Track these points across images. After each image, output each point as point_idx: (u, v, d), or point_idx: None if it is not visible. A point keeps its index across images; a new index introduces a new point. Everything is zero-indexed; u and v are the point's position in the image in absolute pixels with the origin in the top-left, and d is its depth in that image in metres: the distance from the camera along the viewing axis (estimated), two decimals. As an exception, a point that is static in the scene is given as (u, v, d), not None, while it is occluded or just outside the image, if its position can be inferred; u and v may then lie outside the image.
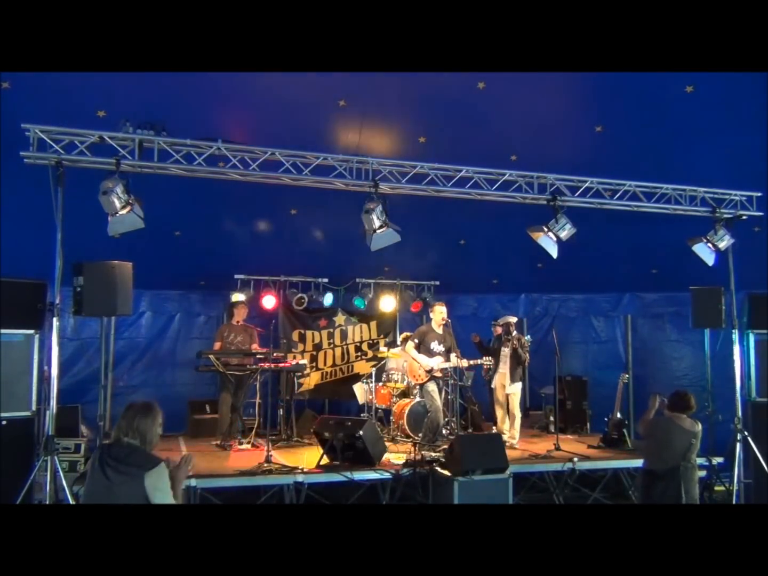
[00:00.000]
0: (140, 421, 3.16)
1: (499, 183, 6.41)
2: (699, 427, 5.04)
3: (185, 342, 9.57)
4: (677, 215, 6.96)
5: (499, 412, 8.12)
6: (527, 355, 8.02)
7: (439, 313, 7.89)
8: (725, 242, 6.89)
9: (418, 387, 8.11)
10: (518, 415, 7.99)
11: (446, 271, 9.81)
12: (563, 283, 9.90)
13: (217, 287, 9.45)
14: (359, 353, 10.11)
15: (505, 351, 8.04)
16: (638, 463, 6.95)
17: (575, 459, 6.77)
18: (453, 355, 7.73)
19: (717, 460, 6.71)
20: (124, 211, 5.25)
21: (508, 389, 7.95)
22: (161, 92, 5.68)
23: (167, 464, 3.16)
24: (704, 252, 6.91)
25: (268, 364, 7.48)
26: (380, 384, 8.78)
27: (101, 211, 5.23)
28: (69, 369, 8.36)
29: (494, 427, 8.66)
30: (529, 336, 8.77)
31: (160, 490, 3.04)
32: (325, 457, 6.33)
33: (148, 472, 3.03)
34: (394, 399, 8.47)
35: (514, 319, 8.30)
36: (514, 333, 8.07)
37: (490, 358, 8.14)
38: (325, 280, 9.76)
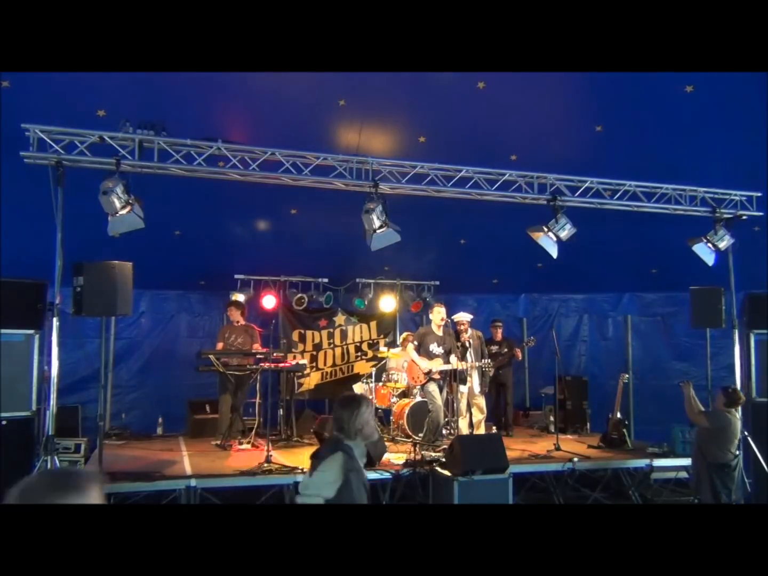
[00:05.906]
0: (339, 411, 3.05)
1: (499, 183, 6.41)
2: None
3: (185, 342, 9.57)
4: (677, 215, 6.96)
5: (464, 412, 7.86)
6: (488, 358, 7.89)
7: (438, 314, 7.76)
8: (725, 242, 6.89)
9: (418, 387, 8.11)
10: (483, 403, 8.00)
11: (446, 271, 9.81)
12: (563, 283, 9.91)
13: (217, 287, 9.45)
14: (359, 353, 10.11)
15: (470, 354, 7.71)
16: (638, 463, 7.01)
17: (575, 459, 6.77)
18: (453, 357, 7.71)
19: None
20: (124, 211, 5.25)
21: (474, 396, 7.82)
22: (161, 92, 5.67)
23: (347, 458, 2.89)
24: (704, 252, 6.91)
25: (268, 364, 7.48)
26: (380, 384, 8.78)
27: (101, 211, 5.23)
28: (69, 369, 8.35)
29: (494, 427, 8.67)
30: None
31: (313, 481, 2.88)
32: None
33: (322, 462, 2.89)
34: (394, 399, 8.47)
35: (467, 317, 7.96)
36: (469, 332, 7.86)
37: (490, 360, 7.94)
38: (325, 280, 9.76)
